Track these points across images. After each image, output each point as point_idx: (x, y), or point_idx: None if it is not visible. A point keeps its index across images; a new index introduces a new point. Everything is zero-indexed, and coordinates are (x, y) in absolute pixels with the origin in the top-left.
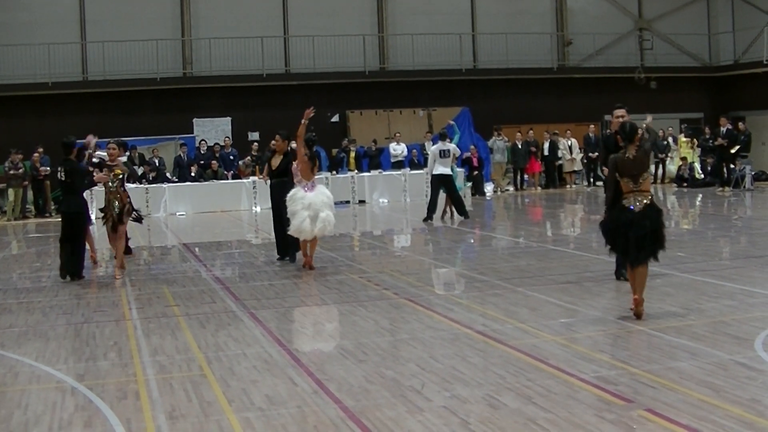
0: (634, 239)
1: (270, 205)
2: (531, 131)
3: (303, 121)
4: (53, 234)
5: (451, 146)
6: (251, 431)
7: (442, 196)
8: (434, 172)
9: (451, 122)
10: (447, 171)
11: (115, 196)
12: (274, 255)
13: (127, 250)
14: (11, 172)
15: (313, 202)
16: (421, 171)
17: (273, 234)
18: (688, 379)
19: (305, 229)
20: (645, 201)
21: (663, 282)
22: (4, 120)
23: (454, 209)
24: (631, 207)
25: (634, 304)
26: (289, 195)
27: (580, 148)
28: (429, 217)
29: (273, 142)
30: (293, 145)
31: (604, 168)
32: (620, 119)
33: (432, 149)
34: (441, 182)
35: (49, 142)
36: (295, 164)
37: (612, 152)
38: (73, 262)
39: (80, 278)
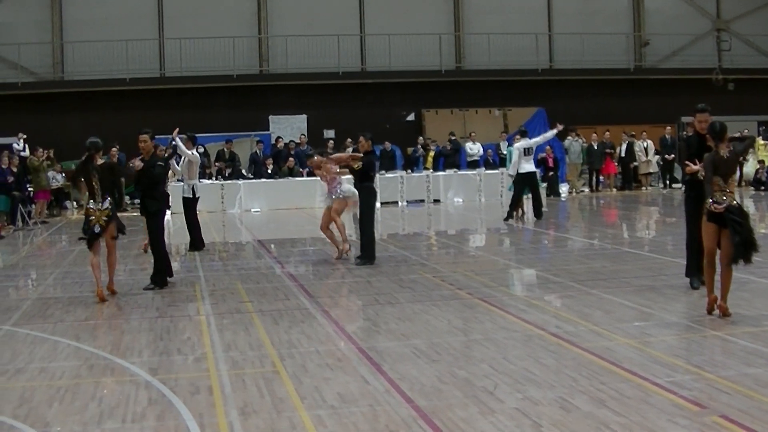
0: (729, 232)
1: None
2: (608, 132)
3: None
4: (128, 228)
5: (531, 142)
6: (323, 429)
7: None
8: (520, 171)
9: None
10: (532, 168)
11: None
12: (348, 253)
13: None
14: (78, 166)
15: None
16: (495, 171)
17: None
18: (763, 386)
19: None
20: (732, 201)
21: (739, 287)
22: (82, 115)
23: (527, 209)
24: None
25: (720, 310)
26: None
27: (655, 150)
28: (510, 215)
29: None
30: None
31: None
32: (703, 123)
33: (516, 146)
34: (527, 181)
35: (126, 137)
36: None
37: (694, 153)
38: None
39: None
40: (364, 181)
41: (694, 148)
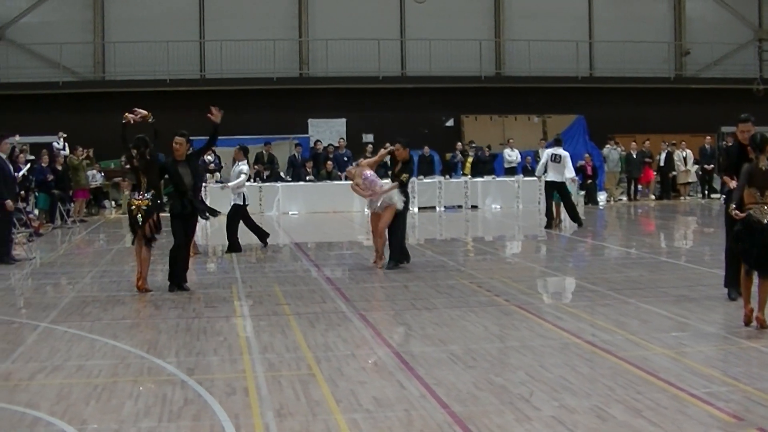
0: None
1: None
2: (647, 141)
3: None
4: (166, 228)
5: (564, 153)
6: None
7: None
8: (546, 179)
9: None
10: (558, 178)
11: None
12: (385, 257)
13: (236, 247)
14: (128, 166)
15: None
16: (533, 178)
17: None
18: None
19: None
20: None
21: None
22: (122, 115)
23: (564, 217)
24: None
25: (758, 321)
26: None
27: (695, 160)
28: (549, 224)
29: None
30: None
31: (724, 176)
32: (745, 133)
33: (546, 153)
34: (553, 188)
35: (165, 137)
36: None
37: (734, 163)
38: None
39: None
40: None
41: (734, 157)
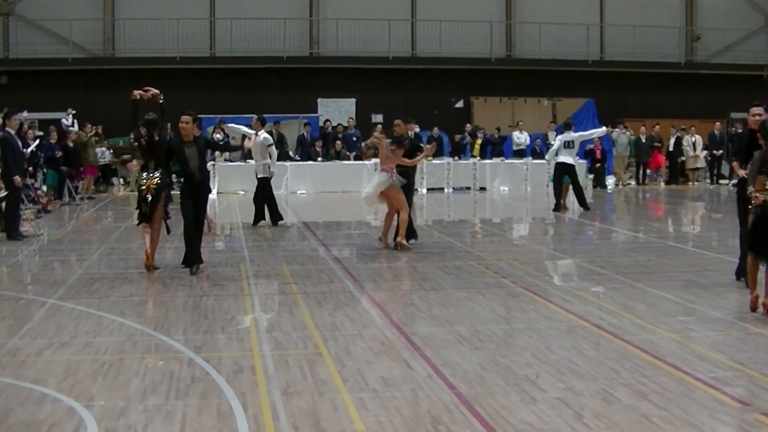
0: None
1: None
2: (657, 126)
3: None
4: (174, 206)
5: (575, 135)
6: (365, 412)
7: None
8: (557, 160)
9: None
10: (569, 160)
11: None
12: (391, 237)
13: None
14: (140, 140)
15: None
16: (542, 161)
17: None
18: None
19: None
20: None
21: None
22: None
23: (572, 201)
24: None
25: (764, 308)
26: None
27: (704, 146)
28: (558, 206)
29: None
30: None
31: (733, 163)
32: (757, 117)
33: (558, 137)
34: (564, 171)
35: (174, 115)
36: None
37: (744, 149)
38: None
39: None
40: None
41: (744, 144)
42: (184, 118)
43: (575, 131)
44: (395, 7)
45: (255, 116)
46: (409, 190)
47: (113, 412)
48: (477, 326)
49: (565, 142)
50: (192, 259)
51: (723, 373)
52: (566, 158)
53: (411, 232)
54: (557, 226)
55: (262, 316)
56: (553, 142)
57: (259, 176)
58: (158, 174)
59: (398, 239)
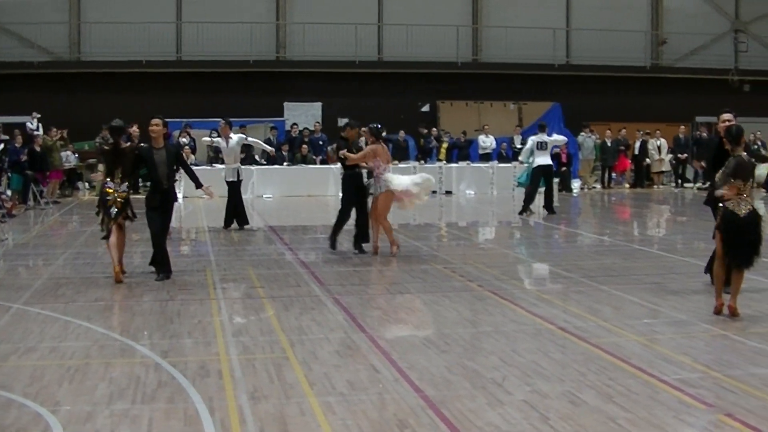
0: (742, 243)
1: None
2: (624, 130)
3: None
4: (140, 210)
5: (549, 139)
6: (332, 416)
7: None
8: (535, 164)
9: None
10: (547, 162)
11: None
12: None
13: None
14: (103, 147)
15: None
16: (509, 164)
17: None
18: None
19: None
20: (749, 207)
21: (748, 287)
22: (98, 96)
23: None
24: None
25: (729, 310)
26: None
27: (669, 149)
28: (525, 209)
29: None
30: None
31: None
32: (727, 123)
33: (531, 138)
34: (543, 173)
35: (142, 119)
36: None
37: (715, 155)
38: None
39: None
40: (349, 168)
41: (713, 150)
42: (154, 121)
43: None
44: (362, 11)
45: (222, 121)
46: (356, 194)
47: (79, 417)
48: (443, 329)
49: (538, 143)
50: (162, 266)
51: (688, 375)
52: (544, 160)
53: (364, 236)
54: (523, 230)
55: (229, 320)
56: (519, 146)
57: (228, 180)
58: (125, 187)
59: (392, 249)
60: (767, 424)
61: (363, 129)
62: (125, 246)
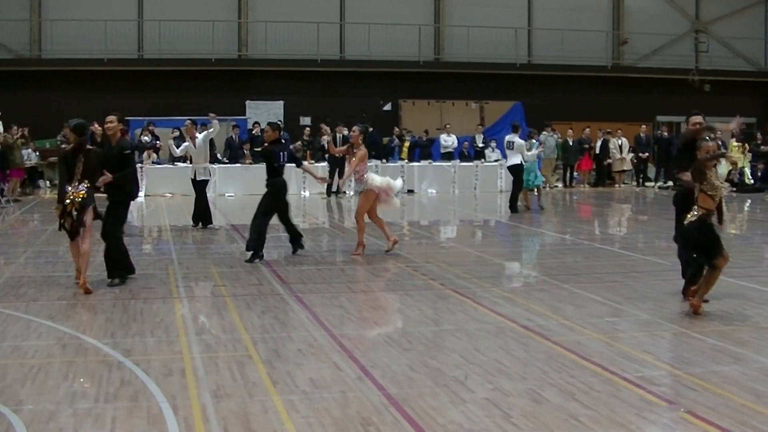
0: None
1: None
2: (587, 129)
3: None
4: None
5: (520, 142)
6: (295, 413)
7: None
8: (508, 164)
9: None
10: (517, 161)
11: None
12: (322, 240)
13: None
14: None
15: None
16: (470, 163)
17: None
18: (730, 383)
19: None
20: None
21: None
22: (59, 95)
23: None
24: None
25: (692, 307)
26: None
27: (630, 148)
28: (515, 206)
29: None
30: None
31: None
32: (698, 126)
33: (506, 139)
34: (512, 172)
35: (104, 118)
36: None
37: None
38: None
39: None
40: (271, 175)
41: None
42: (110, 118)
43: (502, 135)
44: (324, 9)
45: (188, 121)
46: (280, 200)
47: (42, 416)
48: (406, 328)
49: (507, 142)
50: (115, 268)
51: (649, 373)
52: (513, 159)
53: (297, 235)
54: (485, 229)
55: (192, 318)
56: (481, 145)
57: (200, 179)
58: (84, 186)
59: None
60: (728, 422)
61: (353, 129)
62: (89, 256)
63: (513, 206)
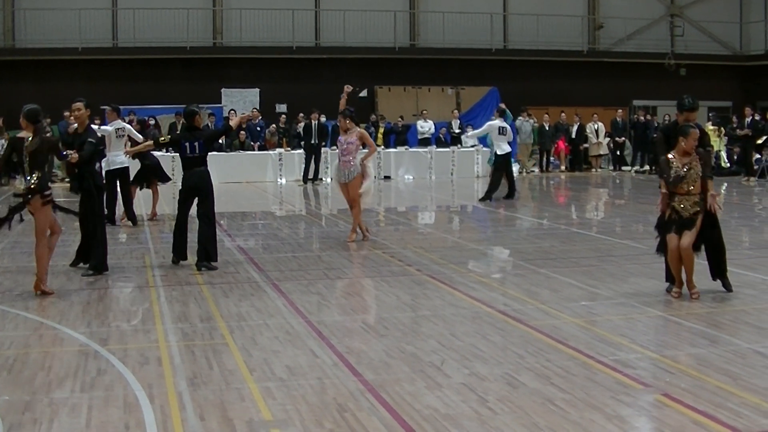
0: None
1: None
2: (563, 114)
3: (342, 95)
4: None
5: (507, 125)
6: (271, 401)
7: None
8: (498, 152)
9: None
10: (507, 149)
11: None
12: (299, 227)
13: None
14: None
15: None
16: (447, 149)
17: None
18: (706, 365)
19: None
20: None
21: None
22: (34, 84)
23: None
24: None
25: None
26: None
27: (606, 133)
28: (488, 197)
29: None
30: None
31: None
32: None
33: (491, 124)
34: (505, 161)
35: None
36: (345, 139)
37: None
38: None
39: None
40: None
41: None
42: (76, 105)
43: (479, 120)
44: None
45: (109, 107)
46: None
47: (18, 406)
48: (382, 314)
49: (499, 128)
50: (88, 259)
51: (624, 356)
52: (506, 147)
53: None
54: (462, 215)
55: (168, 307)
56: (458, 131)
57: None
58: (34, 178)
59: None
60: (704, 404)
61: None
62: (49, 259)
63: (489, 194)
